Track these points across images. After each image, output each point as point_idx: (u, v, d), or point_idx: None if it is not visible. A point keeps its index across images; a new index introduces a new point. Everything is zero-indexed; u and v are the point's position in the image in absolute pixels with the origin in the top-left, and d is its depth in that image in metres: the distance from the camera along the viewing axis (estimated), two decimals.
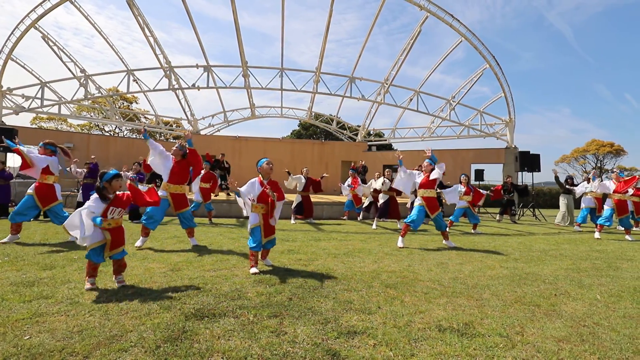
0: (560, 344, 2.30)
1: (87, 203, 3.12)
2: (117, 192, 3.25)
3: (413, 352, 2.13)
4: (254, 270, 3.76)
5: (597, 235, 7.58)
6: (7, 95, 15.15)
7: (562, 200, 10.82)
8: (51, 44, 14.76)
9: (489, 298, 3.20)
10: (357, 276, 3.81)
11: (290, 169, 9.55)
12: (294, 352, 2.08)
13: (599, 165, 34.12)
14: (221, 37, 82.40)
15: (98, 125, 29.04)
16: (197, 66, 15.17)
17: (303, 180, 8.92)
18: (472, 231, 8.07)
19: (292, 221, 8.88)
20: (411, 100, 16.32)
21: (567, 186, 10.66)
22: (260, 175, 4.05)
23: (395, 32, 77.89)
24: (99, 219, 3.04)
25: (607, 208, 7.78)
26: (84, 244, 3.09)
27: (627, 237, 7.47)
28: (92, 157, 9.46)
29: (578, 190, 9.37)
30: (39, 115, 23.69)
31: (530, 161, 13.49)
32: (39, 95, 15.38)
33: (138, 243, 4.94)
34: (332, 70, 26.04)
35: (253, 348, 2.11)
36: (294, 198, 9.10)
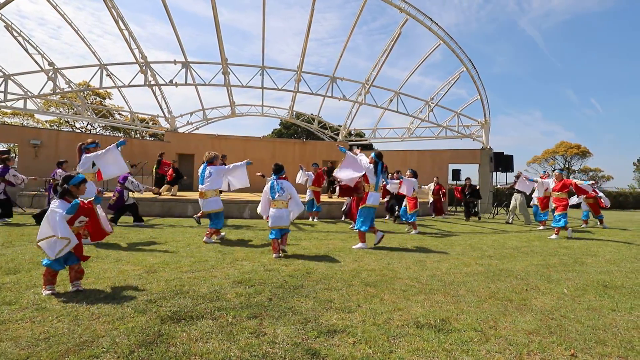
0: (530, 336, 2.41)
1: (53, 208, 2.93)
2: (81, 199, 3.12)
3: (392, 348, 2.17)
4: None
5: (553, 236, 7.41)
6: None
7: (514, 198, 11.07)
8: (15, 34, 13.95)
9: (465, 294, 3.30)
10: (337, 275, 3.83)
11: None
12: (273, 353, 2.06)
13: (567, 166, 35.89)
14: (198, 33, 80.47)
15: (68, 122, 27.72)
16: (174, 62, 14.75)
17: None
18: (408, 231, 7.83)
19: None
20: (391, 101, 16.55)
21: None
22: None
23: (375, 32, 78.85)
24: (77, 201, 2.99)
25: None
26: (61, 253, 2.87)
27: (550, 234, 7.53)
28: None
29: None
30: (2, 110, 22.34)
31: (504, 162, 14.03)
32: (2, 89, 14.48)
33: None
34: (312, 69, 25.95)
35: (232, 350, 2.08)
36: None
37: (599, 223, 10.28)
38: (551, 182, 8.19)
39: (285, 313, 2.67)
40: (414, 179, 8.03)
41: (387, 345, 2.21)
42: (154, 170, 11.78)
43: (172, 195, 10.90)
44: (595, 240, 7.33)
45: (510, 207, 11.05)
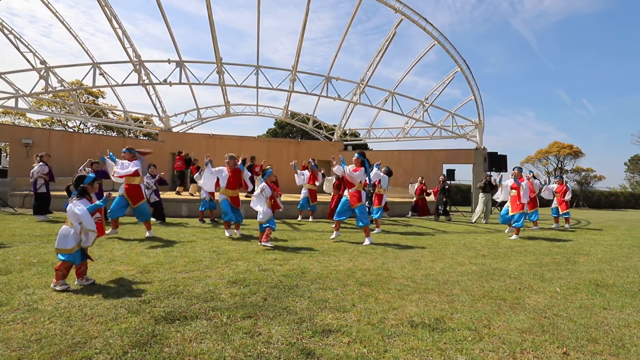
0: (524, 335, 2.43)
1: (76, 208, 3.16)
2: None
3: (386, 348, 2.17)
4: (270, 244, 5.27)
5: (513, 237, 7.28)
6: None
7: (482, 199, 10.93)
8: (6, 32, 13.75)
9: (459, 293, 3.32)
10: (332, 275, 3.83)
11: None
12: (268, 353, 2.06)
13: (559, 166, 36.32)
14: (192, 32, 79.78)
15: (60, 121, 27.37)
16: (169, 61, 14.64)
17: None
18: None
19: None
20: (386, 101, 16.59)
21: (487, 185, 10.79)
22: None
23: (369, 32, 78.96)
24: (102, 201, 3.40)
25: (504, 207, 7.75)
26: (89, 243, 3.25)
27: (511, 234, 7.39)
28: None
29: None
30: None
31: (498, 161, 14.17)
32: None
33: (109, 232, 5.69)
34: (307, 69, 26.03)
35: (226, 350, 2.07)
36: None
37: (565, 223, 10.15)
38: (510, 182, 7.94)
39: (280, 313, 2.66)
40: (386, 176, 8.33)
41: (382, 344, 2.22)
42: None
43: (191, 194, 10.95)
44: (588, 239, 7.43)
45: (487, 207, 10.86)
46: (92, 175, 3.46)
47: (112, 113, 23.84)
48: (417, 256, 5.03)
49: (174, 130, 19.38)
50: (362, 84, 15.90)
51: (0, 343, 2.06)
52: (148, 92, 17.28)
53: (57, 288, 3.01)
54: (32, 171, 7.98)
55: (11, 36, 13.88)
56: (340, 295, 3.15)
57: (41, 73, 14.35)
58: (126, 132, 28.25)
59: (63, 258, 3.11)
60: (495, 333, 2.44)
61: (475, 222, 10.71)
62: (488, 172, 12.47)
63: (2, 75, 14.43)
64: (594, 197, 29.34)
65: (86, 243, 3.24)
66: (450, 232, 8.02)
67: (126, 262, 4.11)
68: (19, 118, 26.08)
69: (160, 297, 2.90)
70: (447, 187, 11.44)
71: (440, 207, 11.12)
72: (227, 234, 6.22)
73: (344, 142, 20.83)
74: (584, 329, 2.56)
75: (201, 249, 5.06)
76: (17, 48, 14.07)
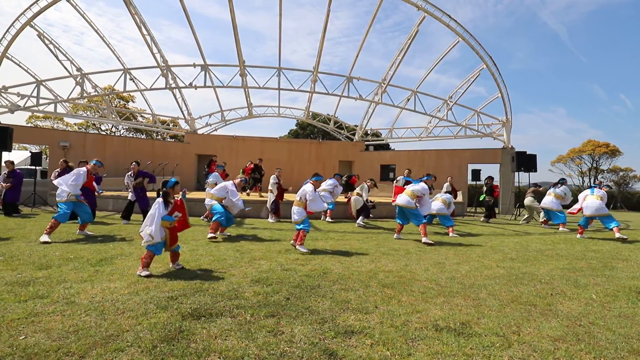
0: (557, 343, 2.32)
1: (155, 210, 3.64)
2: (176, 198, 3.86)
3: (410, 351, 2.14)
4: (305, 249, 5.06)
5: (579, 236, 7.61)
6: (2, 94, 15.01)
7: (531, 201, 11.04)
8: (47, 42, 14.65)
9: (486, 298, 3.21)
10: (354, 276, 3.81)
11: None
12: (291, 352, 2.08)
13: (594, 165, 34.35)
14: (213, 35, 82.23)
15: (94, 124, 28.86)
16: (194, 65, 15.09)
17: (275, 181, 9.34)
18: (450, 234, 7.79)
19: (270, 220, 9.03)
20: (408, 100, 16.32)
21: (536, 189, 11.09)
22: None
23: (388, 30, 78.13)
24: (172, 217, 3.69)
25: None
26: (148, 244, 3.62)
27: (616, 234, 7.38)
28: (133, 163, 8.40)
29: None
30: (34, 114, 23.50)
31: (526, 161, 13.53)
32: (34, 94, 15.25)
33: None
34: (326, 69, 25.89)
35: (250, 348, 2.10)
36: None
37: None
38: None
39: (302, 313, 2.68)
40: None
41: (405, 347, 2.18)
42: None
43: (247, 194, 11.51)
44: (627, 243, 6.97)
45: (537, 206, 10.97)
46: (173, 179, 3.82)
47: (141, 116, 24.85)
48: (441, 258, 4.91)
49: (199, 132, 19.94)
50: (384, 84, 15.72)
51: (43, 333, 2.20)
52: (174, 96, 17.89)
53: (142, 274, 3.48)
54: (126, 181, 8.62)
55: (51, 46, 14.78)
56: (362, 296, 3.13)
57: (77, 80, 15.19)
58: (154, 134, 29.37)
59: (146, 247, 3.61)
60: (525, 340, 2.34)
61: (528, 223, 10.63)
62: (535, 182, 12.42)
63: (43, 83, 15.39)
64: (633, 198, 27.49)
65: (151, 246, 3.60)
66: (476, 234, 7.76)
67: (155, 259, 4.26)
68: (57, 122, 27.74)
69: (186, 294, 3.00)
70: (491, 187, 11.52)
71: (491, 209, 11.10)
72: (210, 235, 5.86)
73: (366, 142, 20.66)
74: (624, 339, 2.40)
75: (225, 247, 5.18)
76: (56, 57, 14.96)
